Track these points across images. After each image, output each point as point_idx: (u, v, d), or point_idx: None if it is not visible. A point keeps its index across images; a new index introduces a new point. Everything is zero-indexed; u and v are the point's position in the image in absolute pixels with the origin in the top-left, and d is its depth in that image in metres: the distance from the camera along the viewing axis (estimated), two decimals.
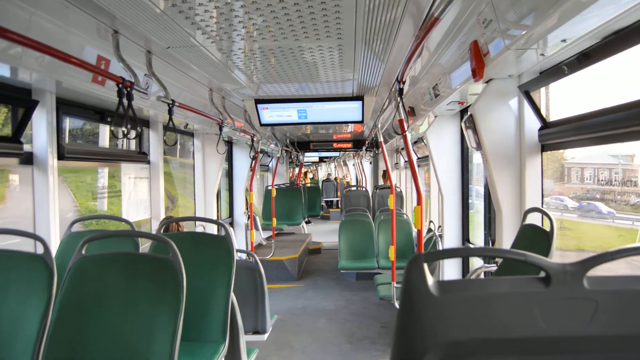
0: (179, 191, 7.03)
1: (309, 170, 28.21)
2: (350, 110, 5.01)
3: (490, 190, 3.39)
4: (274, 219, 8.46)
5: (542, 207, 3.14)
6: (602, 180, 2.93)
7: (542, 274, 1.04)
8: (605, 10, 1.76)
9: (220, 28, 2.63)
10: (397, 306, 1.10)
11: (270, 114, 5.02)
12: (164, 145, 5.34)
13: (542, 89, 3.13)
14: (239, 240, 8.49)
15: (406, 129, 4.00)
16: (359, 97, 4.82)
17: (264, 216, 10.49)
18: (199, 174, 6.84)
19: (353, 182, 20.56)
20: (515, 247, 2.70)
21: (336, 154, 17.09)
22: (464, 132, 3.49)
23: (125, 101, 2.92)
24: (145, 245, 4.02)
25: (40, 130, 3.41)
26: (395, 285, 5.33)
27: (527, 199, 3.15)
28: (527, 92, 3.07)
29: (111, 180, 5.09)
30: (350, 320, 6.30)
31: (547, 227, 2.43)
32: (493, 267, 3.19)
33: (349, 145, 11.69)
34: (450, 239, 5.27)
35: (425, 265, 1.06)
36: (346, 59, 3.39)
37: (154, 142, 5.31)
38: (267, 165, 13.40)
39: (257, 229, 8.27)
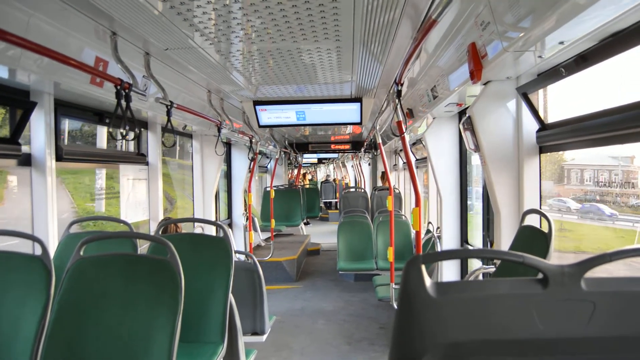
0: (177, 192, 7.03)
1: (308, 172, 28.20)
2: (348, 112, 5.01)
3: (488, 192, 3.40)
4: (273, 220, 8.46)
5: (540, 208, 3.14)
6: (601, 182, 2.94)
7: (540, 276, 1.05)
8: (603, 13, 1.77)
9: (218, 30, 2.63)
10: (396, 307, 1.10)
11: (269, 115, 5.02)
12: (163, 147, 5.34)
13: (540, 91, 3.13)
14: (237, 242, 8.48)
15: (404, 130, 4.00)
16: (357, 99, 4.83)
17: (263, 217, 10.49)
18: (198, 175, 6.84)
19: (352, 184, 20.57)
20: (513, 248, 2.70)
21: (335, 155, 17.11)
22: (462, 133, 3.49)
23: (123, 103, 2.92)
24: (143, 247, 4.01)
25: (39, 132, 3.41)
26: (393, 286, 5.34)
27: (525, 200, 3.16)
28: (525, 94, 3.08)
29: (109, 182, 5.09)
30: (349, 322, 6.30)
31: (545, 229, 2.43)
32: (491, 269, 3.19)
33: (348, 146, 11.70)
34: (449, 240, 5.28)
35: (424, 267, 1.06)
36: (344, 61, 3.39)
37: (153, 143, 5.31)
38: (266, 167, 13.40)
39: (255, 230, 8.27)
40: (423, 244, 5.39)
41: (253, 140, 7.21)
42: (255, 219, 8.63)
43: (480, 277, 3.32)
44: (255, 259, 4.07)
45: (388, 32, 2.71)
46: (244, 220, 8.60)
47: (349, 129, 9.14)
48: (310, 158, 17.76)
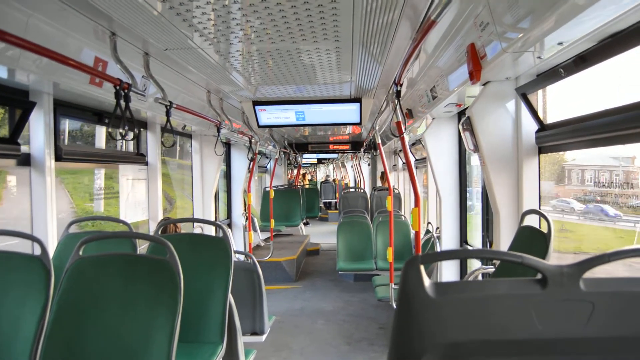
0: (177, 192, 7.03)
1: (307, 172, 28.21)
2: (348, 112, 5.02)
3: (487, 192, 3.40)
4: (272, 221, 8.46)
5: (539, 209, 3.14)
6: (602, 183, 2.94)
7: (539, 276, 1.05)
8: (602, 14, 1.77)
9: (217, 30, 2.63)
10: (395, 307, 1.10)
11: (268, 115, 5.02)
12: (163, 147, 5.34)
13: (539, 92, 3.14)
14: (237, 242, 8.48)
15: (404, 131, 4.00)
16: (356, 99, 4.83)
17: (262, 217, 10.49)
18: (197, 175, 6.84)
19: (351, 184, 20.57)
20: (512, 249, 2.70)
21: (334, 155, 17.11)
22: (462, 134, 3.49)
23: (122, 103, 2.92)
24: (142, 247, 4.01)
25: (38, 132, 3.41)
26: (393, 286, 5.34)
27: (525, 201, 3.16)
28: (524, 94, 3.08)
29: (109, 182, 5.09)
30: (349, 322, 6.30)
31: (544, 229, 2.43)
32: (491, 269, 3.19)
33: (347, 147, 11.71)
34: (448, 241, 5.28)
35: (422, 267, 1.07)
36: (343, 61, 3.40)
37: (152, 143, 5.31)
38: (265, 167, 13.40)
39: (255, 230, 8.27)
40: (422, 244, 5.39)
41: (252, 141, 7.21)
42: (255, 219, 8.63)
43: (480, 278, 3.33)
44: (255, 259, 4.07)
45: (387, 33, 2.72)
46: (243, 220, 8.59)
47: (349, 129, 9.14)
48: (309, 158, 17.76)
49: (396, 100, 3.94)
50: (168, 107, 3.76)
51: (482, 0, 2.30)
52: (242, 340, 3.36)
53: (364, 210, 8.21)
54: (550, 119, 3.12)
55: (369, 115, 5.26)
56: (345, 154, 15.31)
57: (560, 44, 2.15)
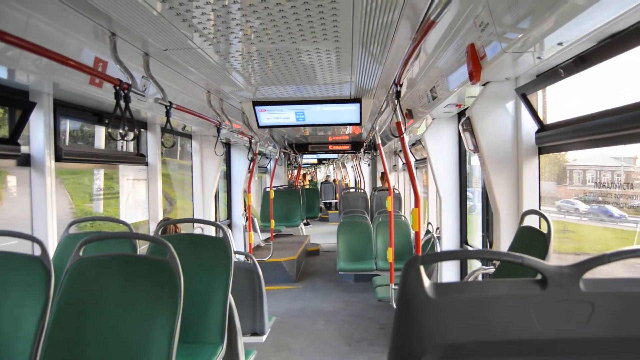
0: (177, 193, 7.03)
1: (308, 173, 28.21)
2: (348, 113, 5.02)
3: (487, 193, 3.40)
4: (272, 221, 8.46)
5: (539, 209, 3.14)
6: (603, 183, 2.93)
7: (539, 277, 1.05)
8: (602, 14, 1.77)
9: (217, 30, 2.63)
10: (395, 308, 1.10)
11: (268, 116, 5.03)
12: (164, 147, 5.35)
13: (539, 92, 3.14)
14: (237, 242, 8.48)
15: (404, 131, 4.00)
16: (356, 100, 4.83)
17: (262, 218, 10.49)
18: (197, 175, 6.84)
19: (352, 184, 20.58)
20: (512, 249, 2.70)
21: (334, 156, 17.12)
22: (462, 134, 3.49)
23: (122, 103, 2.92)
24: (142, 247, 4.01)
25: (38, 132, 3.41)
26: (393, 287, 5.34)
27: (525, 201, 3.16)
28: (524, 94, 3.08)
29: (109, 182, 5.09)
30: (349, 322, 6.30)
31: (544, 229, 2.43)
32: (491, 269, 3.20)
33: (347, 147, 11.71)
34: (449, 241, 5.28)
35: (422, 268, 1.07)
36: (343, 62, 3.40)
37: (152, 143, 5.31)
38: (265, 167, 13.40)
39: (255, 230, 8.27)
40: (422, 245, 5.39)
41: (252, 141, 7.21)
42: (255, 220, 8.63)
43: (480, 278, 3.33)
44: (255, 260, 4.07)
45: (387, 33, 2.72)
46: (243, 220, 8.60)
47: (349, 129, 9.14)
48: (310, 158, 17.77)
49: (396, 101, 3.94)
50: (168, 107, 3.76)
51: (481, 0, 2.30)
52: (242, 340, 3.36)
53: (364, 211, 8.21)
54: (550, 120, 3.12)
55: (368, 115, 5.26)
56: (346, 155, 15.30)
57: (560, 44, 2.15)
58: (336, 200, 19.78)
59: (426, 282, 1.06)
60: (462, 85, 3.23)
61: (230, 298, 3.06)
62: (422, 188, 7.33)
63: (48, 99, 3.44)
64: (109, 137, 2.87)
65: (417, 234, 3.97)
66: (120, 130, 2.88)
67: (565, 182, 3.39)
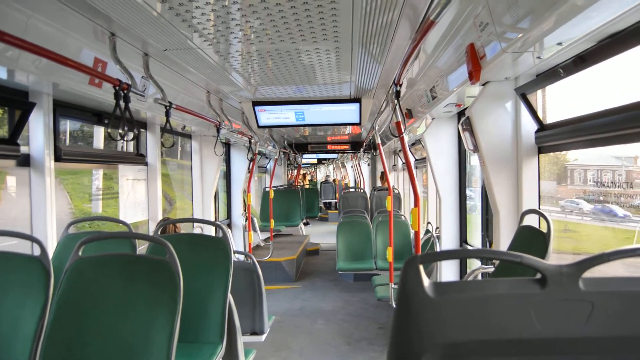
0: (177, 193, 7.03)
1: (308, 173, 28.21)
2: (347, 113, 5.02)
3: (487, 192, 3.40)
4: (272, 221, 8.46)
5: (539, 208, 3.15)
6: (604, 183, 2.93)
7: (539, 276, 1.05)
8: (601, 14, 1.77)
9: (217, 31, 2.63)
10: (395, 307, 1.10)
11: (268, 116, 5.03)
12: (164, 147, 5.35)
13: (539, 92, 3.14)
14: (236, 242, 8.48)
15: (403, 131, 4.00)
16: (356, 100, 4.83)
17: (262, 218, 10.50)
18: (197, 175, 6.84)
19: (351, 184, 20.58)
20: (512, 248, 2.70)
21: (334, 155, 17.12)
22: (461, 134, 3.49)
23: (122, 103, 2.92)
24: (142, 247, 4.01)
25: (37, 132, 3.41)
26: (393, 286, 5.34)
27: (524, 200, 3.16)
28: (523, 94, 3.08)
29: (109, 182, 5.09)
30: (348, 321, 6.30)
31: (544, 229, 2.44)
32: (490, 269, 3.20)
33: (347, 147, 11.71)
34: (448, 241, 5.28)
35: (422, 267, 1.07)
36: (343, 62, 3.40)
37: (152, 143, 5.31)
38: (265, 167, 13.39)
39: (254, 230, 8.27)
40: (422, 244, 5.39)
41: (252, 141, 7.21)
42: (255, 219, 8.63)
43: (479, 277, 3.33)
44: (255, 259, 4.07)
45: (387, 33, 2.72)
46: (243, 220, 8.60)
47: (348, 129, 9.14)
48: (309, 158, 17.77)
49: (396, 101, 3.95)
50: (167, 107, 3.76)
51: (481, 0, 2.30)
52: (241, 340, 3.36)
53: (364, 210, 8.22)
54: (549, 119, 3.12)
55: (368, 115, 5.26)
56: (345, 154, 15.30)
57: (560, 44, 2.15)
58: (336, 200, 19.79)
59: (426, 281, 1.06)
60: (461, 85, 3.23)
61: (230, 297, 3.06)
62: (422, 188, 7.33)
63: (47, 99, 3.44)
64: (109, 137, 2.87)
65: (416, 233, 3.97)
66: (120, 131, 2.88)
67: (566, 182, 3.39)
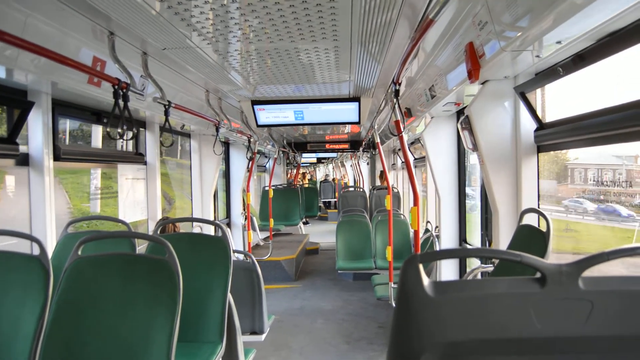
0: (176, 192, 7.02)
1: (307, 172, 28.21)
2: (346, 112, 5.01)
3: (486, 191, 3.40)
4: (271, 220, 8.46)
5: (538, 207, 3.15)
6: (605, 181, 2.93)
7: (538, 275, 1.05)
8: (600, 12, 1.77)
9: (216, 30, 2.63)
10: (394, 306, 1.10)
11: (267, 115, 5.02)
12: (163, 146, 5.34)
13: (538, 90, 3.14)
14: (236, 241, 8.48)
15: (402, 130, 4.00)
16: (355, 99, 4.83)
17: (261, 217, 10.49)
18: (196, 174, 6.84)
19: (351, 183, 20.58)
20: (511, 247, 2.70)
21: (334, 154, 17.11)
22: (460, 133, 3.49)
23: (121, 102, 2.92)
24: (141, 246, 4.01)
25: (36, 132, 3.41)
26: (392, 285, 5.34)
27: (524, 199, 3.16)
28: (522, 93, 3.08)
29: (108, 182, 5.08)
30: (348, 321, 6.31)
31: (543, 228, 2.44)
32: (490, 268, 3.20)
33: (346, 146, 11.70)
34: (448, 240, 5.28)
35: (421, 266, 1.07)
36: (342, 61, 3.39)
37: (151, 143, 5.31)
38: (264, 166, 13.39)
39: (254, 229, 8.27)
40: (421, 243, 5.39)
41: (251, 140, 7.21)
42: (254, 219, 8.63)
43: (479, 276, 3.33)
44: (254, 259, 4.07)
45: (386, 32, 2.71)
46: (242, 219, 8.59)
47: (347, 128, 9.14)
48: (309, 157, 17.76)
49: (395, 99, 3.94)
50: (167, 106, 3.76)
51: None
52: (241, 339, 3.36)
53: (363, 210, 8.22)
54: (549, 118, 3.12)
55: (367, 114, 5.26)
56: (344, 153, 15.30)
57: (559, 42, 2.15)
58: (335, 199, 19.79)
59: (425, 280, 1.06)
60: (460, 84, 3.23)
61: (230, 297, 3.06)
62: (421, 187, 7.33)
63: (46, 98, 3.44)
64: (108, 137, 2.87)
65: (416, 232, 3.97)
66: (119, 130, 2.88)
67: (567, 181, 3.39)
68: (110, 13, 2.36)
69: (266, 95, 4.74)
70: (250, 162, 7.55)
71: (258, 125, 5.17)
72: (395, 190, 9.70)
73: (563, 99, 3.14)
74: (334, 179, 24.21)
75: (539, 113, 3.10)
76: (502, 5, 2.15)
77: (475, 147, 3.29)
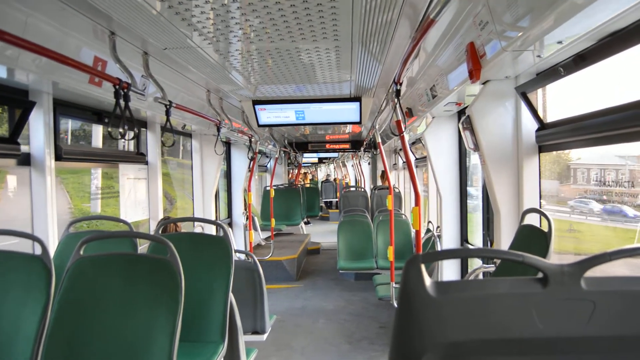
0: (177, 192, 7.03)
1: (309, 172, 28.21)
2: (347, 111, 5.01)
3: (488, 191, 3.40)
4: (273, 220, 8.46)
5: (540, 207, 3.14)
6: (608, 182, 2.93)
7: (540, 275, 1.04)
8: (601, 12, 1.77)
9: (217, 29, 2.63)
10: (396, 306, 1.10)
11: (268, 114, 5.02)
12: (166, 146, 5.35)
13: (539, 90, 3.13)
14: (237, 241, 8.48)
15: (404, 130, 4.00)
16: (356, 98, 4.83)
17: (263, 217, 10.49)
18: (197, 174, 6.84)
19: (352, 183, 20.58)
20: (513, 247, 2.70)
21: (335, 154, 17.11)
22: (462, 133, 3.49)
23: (122, 102, 2.92)
24: (143, 246, 4.01)
25: (38, 131, 3.41)
26: (394, 285, 5.34)
27: (525, 199, 3.16)
28: (524, 93, 3.08)
29: (109, 181, 5.09)
30: (349, 321, 6.30)
31: (545, 228, 2.43)
32: (491, 268, 3.19)
33: (347, 146, 11.70)
34: (449, 240, 5.28)
35: (423, 266, 1.06)
36: (343, 60, 3.39)
37: (152, 142, 5.31)
38: (266, 166, 13.39)
39: (255, 229, 8.27)
40: (423, 243, 5.39)
41: (252, 140, 7.21)
42: (255, 218, 8.63)
43: (481, 276, 3.33)
44: (256, 258, 4.07)
45: (387, 32, 2.71)
46: (244, 219, 8.60)
47: (349, 128, 9.14)
48: (310, 157, 17.75)
49: (396, 99, 3.94)
50: (168, 106, 3.76)
51: None
52: (243, 339, 3.36)
53: (365, 210, 8.21)
54: (550, 118, 3.12)
55: (368, 114, 5.26)
56: (346, 153, 15.30)
57: (560, 42, 2.15)
58: (336, 199, 19.78)
59: (427, 280, 1.05)
60: (462, 84, 3.22)
61: (231, 297, 3.06)
62: (423, 186, 7.33)
63: (48, 98, 3.44)
64: (109, 136, 2.87)
65: (417, 232, 3.97)
66: (120, 130, 2.88)
67: (569, 181, 3.39)
68: (111, 13, 2.36)
69: (267, 95, 4.74)
70: (252, 162, 7.55)
71: (259, 125, 5.17)
72: (397, 190, 9.70)
73: (564, 99, 3.13)
74: (335, 179, 24.21)
75: (540, 113, 3.10)
76: (503, 5, 2.15)
77: (477, 147, 3.28)
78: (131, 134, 2.96)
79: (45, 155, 3.42)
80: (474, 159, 5.09)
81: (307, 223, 14.83)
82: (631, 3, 1.68)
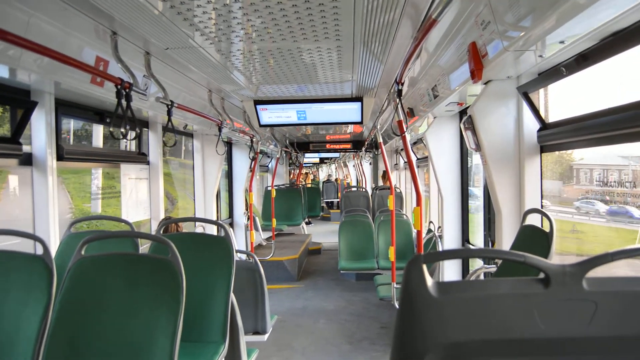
0: (178, 192, 7.03)
1: (310, 172, 28.21)
2: (349, 111, 5.01)
3: (489, 192, 3.40)
4: (274, 220, 8.46)
5: (541, 207, 3.14)
6: (611, 182, 2.92)
7: (542, 275, 1.04)
8: (603, 12, 1.77)
9: (218, 29, 2.63)
10: (397, 307, 1.10)
11: (270, 114, 5.02)
12: (168, 146, 5.35)
13: (541, 90, 3.13)
14: (238, 241, 8.48)
15: (405, 130, 4.00)
16: (358, 98, 4.82)
17: (264, 217, 10.49)
18: (199, 174, 6.84)
19: (353, 183, 20.57)
20: (514, 248, 2.70)
21: (336, 154, 17.10)
22: (463, 133, 3.49)
23: (124, 102, 2.92)
24: (144, 246, 4.01)
25: (39, 131, 3.41)
26: (395, 285, 5.33)
27: (527, 200, 3.15)
28: (525, 93, 3.07)
29: (111, 181, 5.09)
30: (350, 321, 6.30)
31: (546, 228, 2.43)
32: (493, 268, 3.19)
33: (349, 146, 11.69)
34: (450, 240, 5.27)
35: (425, 266, 1.06)
36: (345, 60, 3.39)
37: (154, 142, 5.31)
38: (267, 166, 13.40)
39: (256, 229, 8.27)
40: (424, 244, 5.38)
41: (254, 140, 7.21)
42: (257, 219, 8.63)
43: (482, 277, 3.32)
44: (257, 259, 4.07)
45: (388, 32, 2.71)
46: (245, 219, 8.60)
47: (350, 128, 9.13)
48: (311, 157, 17.75)
49: (397, 99, 3.94)
50: (169, 106, 3.76)
51: None
52: (244, 339, 3.36)
53: (366, 210, 8.21)
54: (552, 118, 3.11)
55: (370, 114, 5.25)
56: (347, 153, 15.30)
57: (562, 42, 2.15)
58: (338, 199, 19.78)
59: (429, 281, 1.05)
60: (463, 84, 3.22)
61: (232, 297, 3.06)
62: (424, 187, 7.32)
63: (49, 98, 3.44)
64: (111, 136, 2.87)
65: (418, 232, 3.97)
66: (122, 129, 2.88)
67: (572, 181, 3.38)
68: (113, 13, 2.36)
69: (269, 95, 4.74)
70: (253, 162, 7.55)
71: (261, 125, 5.17)
72: (398, 190, 9.69)
73: (566, 99, 3.13)
74: (336, 179, 24.21)
75: (542, 113, 3.10)
76: (504, 5, 2.14)
77: (478, 147, 3.28)
78: (133, 134, 2.96)
79: (47, 155, 3.42)
80: (476, 159, 5.08)
81: (308, 223, 14.82)
82: (633, 3, 1.68)
